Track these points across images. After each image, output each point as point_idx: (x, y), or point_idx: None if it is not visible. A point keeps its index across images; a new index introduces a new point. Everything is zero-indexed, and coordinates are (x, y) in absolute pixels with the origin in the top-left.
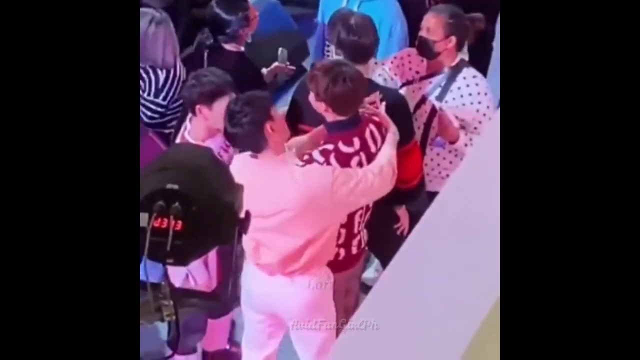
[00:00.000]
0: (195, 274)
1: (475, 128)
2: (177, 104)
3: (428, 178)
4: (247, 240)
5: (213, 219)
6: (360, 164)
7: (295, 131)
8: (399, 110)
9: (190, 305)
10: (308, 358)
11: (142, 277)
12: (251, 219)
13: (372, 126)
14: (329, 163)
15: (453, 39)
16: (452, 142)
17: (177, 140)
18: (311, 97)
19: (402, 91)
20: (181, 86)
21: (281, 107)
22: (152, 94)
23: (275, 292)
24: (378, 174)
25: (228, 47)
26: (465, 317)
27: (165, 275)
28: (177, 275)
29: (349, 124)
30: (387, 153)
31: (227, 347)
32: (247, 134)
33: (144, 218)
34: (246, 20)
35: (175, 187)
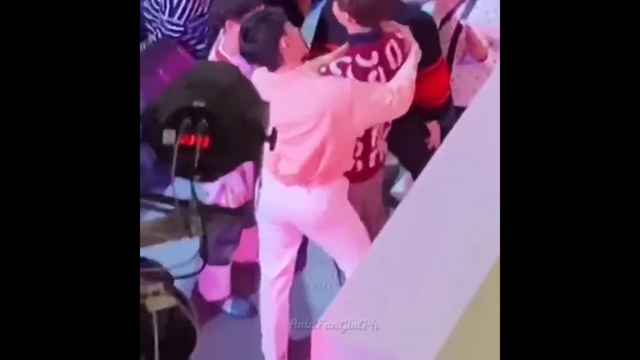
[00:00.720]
0: (232, 185)
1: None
2: (196, 22)
3: (455, 93)
4: (267, 152)
5: (239, 135)
6: (378, 79)
7: (323, 51)
8: (424, 28)
9: (219, 221)
10: (337, 253)
11: (170, 193)
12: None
13: (393, 42)
14: (345, 76)
15: None
16: (480, 60)
17: (211, 54)
18: (335, 6)
19: (429, 7)
20: (201, 4)
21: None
22: (167, 12)
23: (291, 203)
24: (397, 93)
25: None
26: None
27: (193, 191)
28: (213, 185)
29: (369, 38)
30: (408, 73)
31: (258, 260)
32: (262, 50)
33: (171, 135)
34: None
35: (202, 104)
